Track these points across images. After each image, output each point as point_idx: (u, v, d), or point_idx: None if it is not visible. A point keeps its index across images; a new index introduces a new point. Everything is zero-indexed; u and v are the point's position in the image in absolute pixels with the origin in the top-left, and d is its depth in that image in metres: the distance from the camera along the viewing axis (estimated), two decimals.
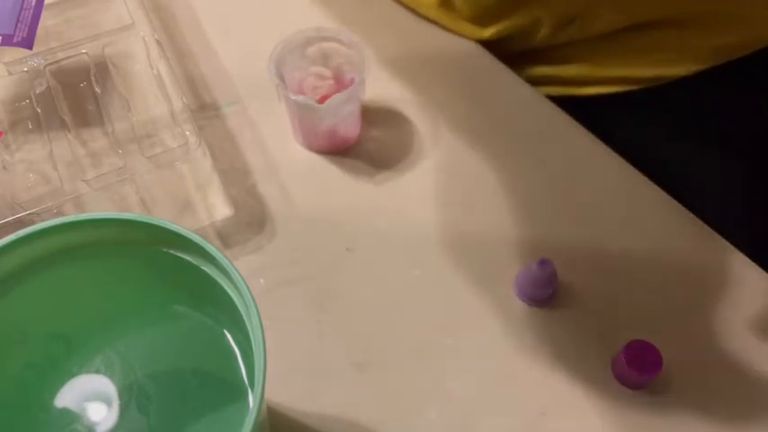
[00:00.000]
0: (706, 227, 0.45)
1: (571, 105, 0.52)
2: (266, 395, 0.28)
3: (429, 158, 0.49)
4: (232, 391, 0.35)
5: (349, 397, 0.40)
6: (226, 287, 0.31)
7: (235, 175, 0.48)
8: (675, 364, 0.40)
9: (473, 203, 0.47)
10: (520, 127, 0.50)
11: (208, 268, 0.31)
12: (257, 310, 0.28)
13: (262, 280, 0.44)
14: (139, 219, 0.31)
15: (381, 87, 0.52)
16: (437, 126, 0.50)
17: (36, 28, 0.49)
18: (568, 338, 0.41)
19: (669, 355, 0.39)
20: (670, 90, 0.52)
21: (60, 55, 0.51)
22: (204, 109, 0.51)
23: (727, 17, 0.49)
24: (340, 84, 0.48)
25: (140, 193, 0.46)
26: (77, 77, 0.51)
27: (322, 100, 0.45)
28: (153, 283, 0.35)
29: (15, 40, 0.48)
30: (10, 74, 0.50)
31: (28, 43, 0.48)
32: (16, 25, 0.49)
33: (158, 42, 0.51)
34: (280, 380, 0.35)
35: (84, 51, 0.51)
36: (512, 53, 0.55)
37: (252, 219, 0.46)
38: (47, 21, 0.55)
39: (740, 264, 0.44)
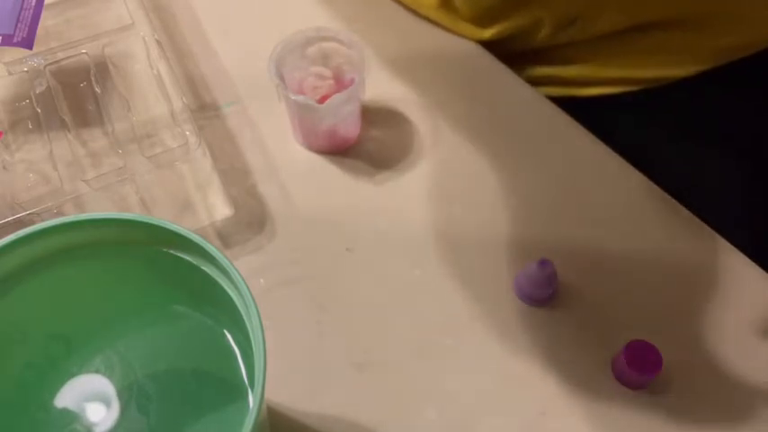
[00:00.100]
0: (706, 227, 0.45)
1: (572, 106, 0.52)
2: (266, 395, 0.28)
3: (429, 158, 0.49)
4: (232, 391, 0.35)
5: (349, 397, 0.40)
6: (226, 287, 0.31)
7: (235, 175, 0.48)
8: (675, 364, 0.40)
9: (473, 204, 0.47)
10: (520, 127, 0.50)
11: (208, 268, 0.31)
12: (257, 310, 0.28)
13: (262, 280, 0.44)
14: (139, 219, 0.31)
15: (381, 87, 0.52)
16: (437, 126, 0.50)
17: (36, 28, 0.49)
18: (568, 338, 0.41)
19: (669, 355, 0.39)
20: (671, 91, 0.52)
21: (60, 55, 0.51)
22: (204, 109, 0.51)
23: (728, 18, 0.49)
24: (340, 84, 0.48)
25: (140, 193, 0.46)
26: (77, 77, 0.51)
27: (322, 100, 0.45)
28: (153, 283, 0.35)
29: (15, 40, 0.48)
30: (10, 74, 0.50)
31: (28, 43, 0.48)
32: (16, 25, 0.49)
33: (158, 42, 0.51)
34: (280, 380, 0.35)
35: (84, 51, 0.51)
36: (512, 53, 0.55)
37: (252, 219, 0.46)
38: (47, 21, 0.55)
39: (740, 264, 0.44)
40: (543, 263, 0.40)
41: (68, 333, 0.35)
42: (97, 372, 0.35)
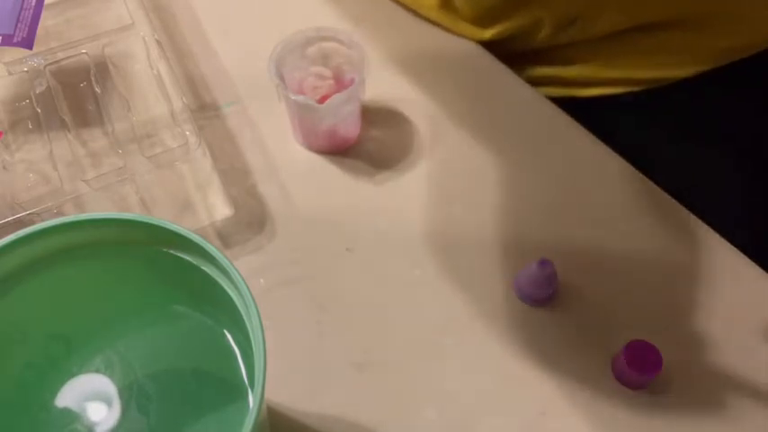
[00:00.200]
0: (706, 227, 0.45)
1: (572, 106, 0.52)
2: (266, 395, 0.28)
3: (429, 158, 0.49)
4: (232, 391, 0.35)
5: (349, 397, 0.40)
6: (226, 287, 0.31)
7: (235, 175, 0.48)
8: (675, 364, 0.40)
9: (473, 204, 0.47)
10: (520, 127, 0.50)
11: (208, 268, 0.31)
12: (257, 310, 0.28)
13: (262, 280, 0.44)
14: (139, 219, 0.31)
15: (381, 87, 0.52)
16: (437, 126, 0.50)
17: (36, 28, 0.49)
18: (568, 338, 0.41)
19: (669, 355, 0.39)
20: (671, 91, 0.52)
21: (60, 55, 0.51)
22: (204, 109, 0.51)
23: (728, 18, 0.49)
24: (340, 84, 0.48)
25: (140, 193, 0.46)
26: (77, 77, 0.51)
27: (322, 100, 0.45)
28: (153, 283, 0.35)
29: (15, 40, 0.48)
30: (10, 74, 0.50)
31: (28, 43, 0.48)
32: (16, 25, 0.49)
33: (158, 42, 0.51)
34: (280, 380, 0.35)
35: (84, 51, 0.51)
36: (513, 54, 0.55)
37: (252, 219, 0.46)
38: (47, 21, 0.55)
39: (740, 264, 0.44)
40: (543, 263, 0.40)
41: (68, 333, 0.35)
42: (97, 372, 0.35)
